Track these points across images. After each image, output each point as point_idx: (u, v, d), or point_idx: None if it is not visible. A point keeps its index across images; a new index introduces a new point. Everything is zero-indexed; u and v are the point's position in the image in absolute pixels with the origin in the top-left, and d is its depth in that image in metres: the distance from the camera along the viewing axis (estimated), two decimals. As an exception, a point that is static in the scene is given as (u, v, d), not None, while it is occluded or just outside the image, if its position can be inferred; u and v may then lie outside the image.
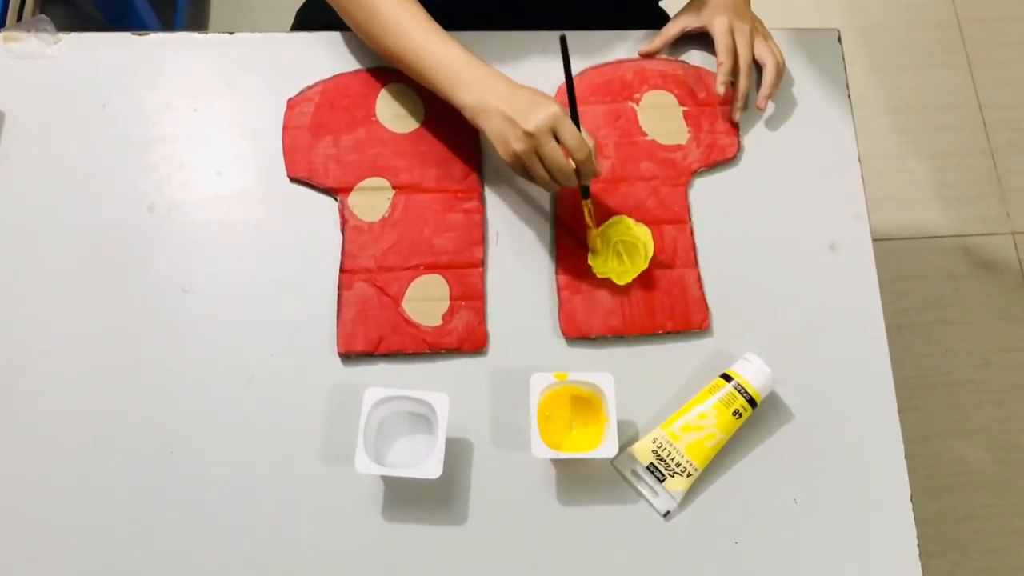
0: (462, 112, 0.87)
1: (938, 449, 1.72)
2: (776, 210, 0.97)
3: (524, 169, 0.86)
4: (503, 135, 0.84)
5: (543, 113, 0.82)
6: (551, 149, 0.83)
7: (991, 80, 2.05)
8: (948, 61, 2.07)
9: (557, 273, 0.92)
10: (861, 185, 0.98)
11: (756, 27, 1.01)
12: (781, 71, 0.99)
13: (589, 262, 0.92)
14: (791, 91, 1.02)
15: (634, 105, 0.99)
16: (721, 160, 0.98)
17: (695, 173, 0.97)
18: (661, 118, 0.99)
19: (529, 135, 0.82)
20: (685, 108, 1.00)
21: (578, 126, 0.84)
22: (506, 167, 0.87)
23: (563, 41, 0.82)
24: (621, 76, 1.01)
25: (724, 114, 0.99)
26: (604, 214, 0.94)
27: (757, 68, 1.00)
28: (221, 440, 0.85)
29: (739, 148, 0.98)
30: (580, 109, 0.96)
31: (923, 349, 1.80)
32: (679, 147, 0.98)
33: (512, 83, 0.86)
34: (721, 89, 0.97)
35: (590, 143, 0.84)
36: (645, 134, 0.98)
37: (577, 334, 0.90)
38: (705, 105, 1.00)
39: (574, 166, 0.84)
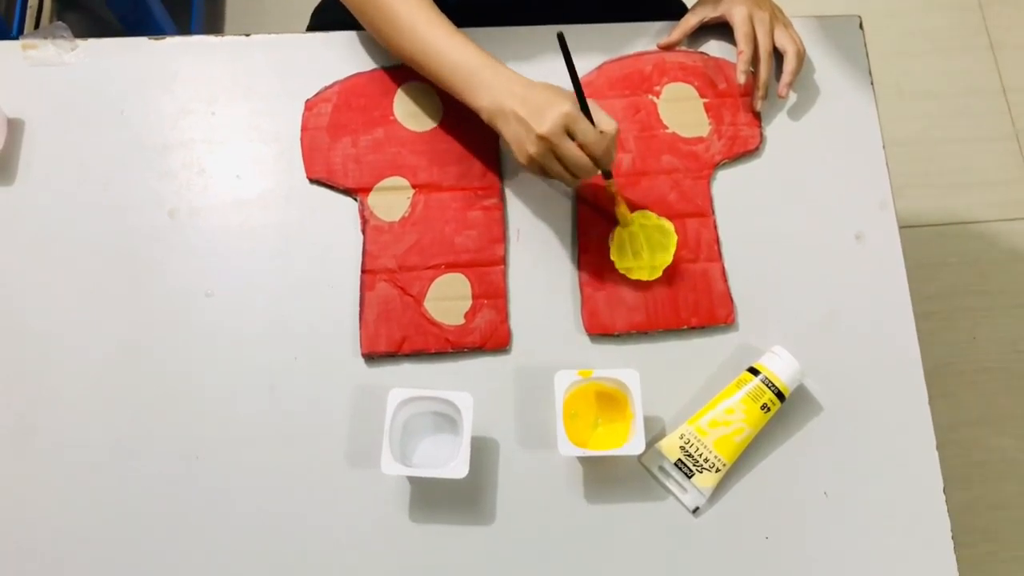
0: (479, 115, 0.86)
1: (968, 438, 1.70)
2: (800, 201, 0.95)
3: (542, 170, 0.85)
4: (519, 138, 0.83)
5: (554, 114, 0.81)
6: (566, 148, 0.82)
7: (1015, 62, 2.02)
8: (970, 44, 2.04)
9: (579, 269, 0.91)
10: (886, 173, 0.97)
11: (776, 14, 1.00)
12: (802, 59, 0.98)
13: (612, 257, 0.91)
14: (813, 79, 1.01)
15: (654, 98, 0.98)
16: (743, 152, 0.96)
17: (717, 165, 0.96)
18: (682, 110, 0.98)
19: (543, 138, 0.81)
20: (706, 100, 0.99)
21: (589, 118, 0.83)
22: (524, 169, 0.87)
23: (561, 38, 0.81)
24: (640, 69, 1.00)
25: (746, 105, 0.98)
26: (626, 208, 0.93)
27: (778, 56, 0.99)
28: (246, 444, 0.85)
29: (761, 139, 0.97)
30: (600, 103, 0.95)
31: (950, 337, 1.78)
32: (700, 139, 0.97)
33: (527, 83, 0.84)
34: (742, 78, 0.96)
35: (611, 127, 0.83)
36: (666, 127, 0.97)
37: (600, 330, 0.89)
38: (726, 96, 0.99)
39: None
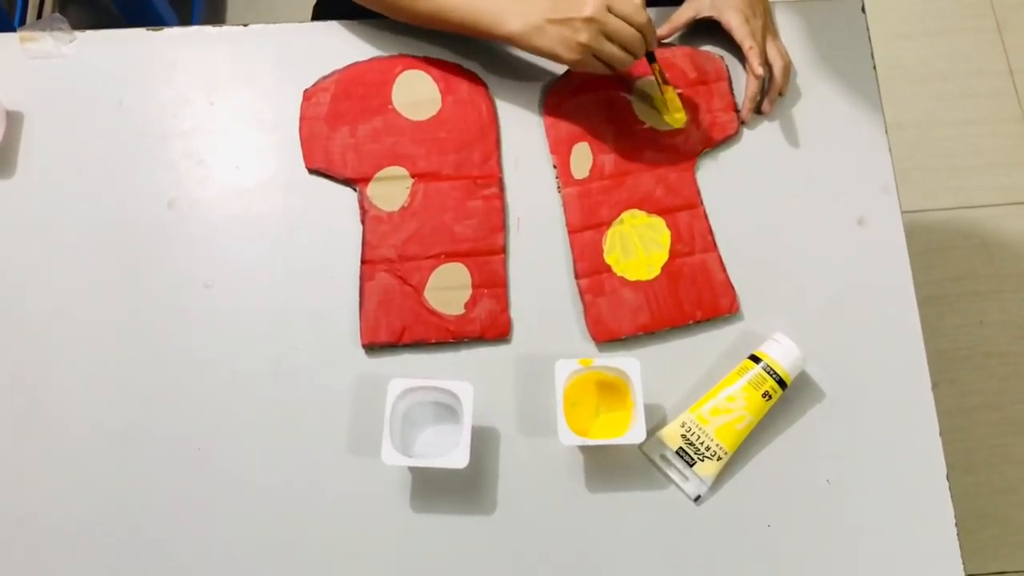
0: (513, 44, 0.91)
1: (974, 422, 1.69)
2: (802, 186, 0.95)
3: (594, 59, 0.88)
4: (563, 38, 0.87)
5: None
6: (617, 24, 0.85)
7: (1023, 44, 2.00)
8: (976, 25, 2.02)
9: (577, 277, 0.90)
10: (889, 157, 0.96)
11: (767, 25, 0.99)
12: (788, 74, 0.98)
13: (607, 261, 0.90)
14: (815, 63, 1.00)
15: (627, 95, 0.97)
16: (723, 138, 0.96)
17: (699, 155, 0.95)
18: (656, 104, 0.97)
19: (590, 20, 0.85)
20: (679, 91, 0.97)
21: None
22: (575, 67, 0.90)
23: None
24: None
25: (719, 91, 0.97)
26: (613, 211, 0.92)
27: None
28: (247, 435, 0.85)
29: (740, 123, 0.97)
30: (573, 107, 0.96)
31: (956, 321, 1.77)
32: (679, 131, 0.96)
33: None
34: (760, 70, 0.94)
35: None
36: (643, 123, 0.96)
37: (607, 337, 0.88)
38: (698, 84, 0.98)
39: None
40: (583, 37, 0.85)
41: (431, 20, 0.94)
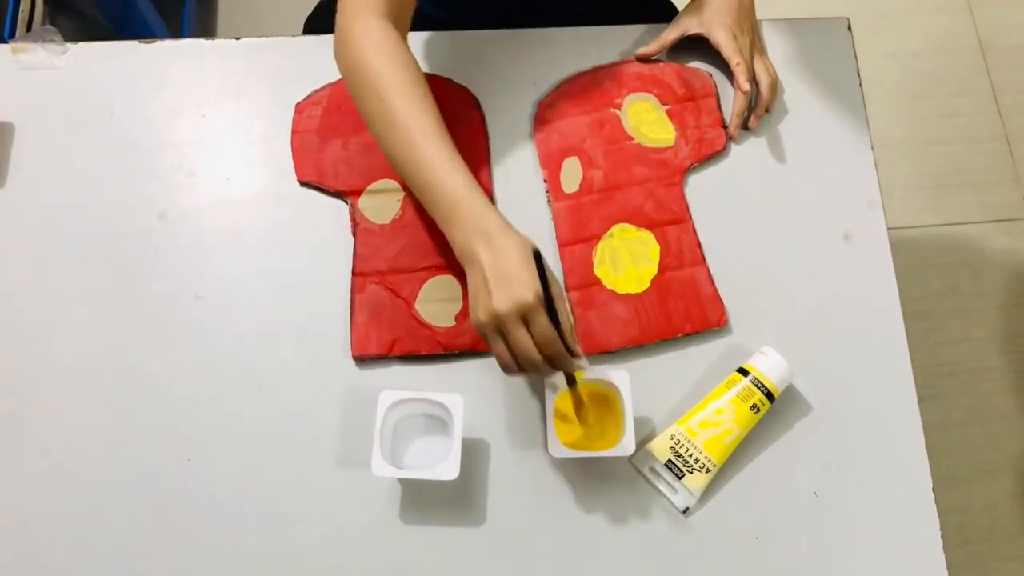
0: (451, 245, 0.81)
1: (959, 437, 1.70)
2: (789, 202, 0.96)
3: (485, 339, 0.78)
4: (475, 297, 0.76)
5: (515, 296, 0.73)
6: (518, 337, 0.74)
7: (1005, 64, 2.03)
8: (960, 45, 2.05)
9: (567, 290, 0.90)
10: (875, 174, 0.97)
11: (755, 42, 1.00)
12: (775, 90, 0.99)
13: (597, 274, 0.91)
14: (802, 82, 1.01)
15: (616, 111, 0.98)
16: (711, 153, 0.97)
17: (688, 170, 0.96)
18: (645, 120, 0.98)
19: (496, 315, 0.74)
20: (668, 107, 0.98)
21: (555, 320, 0.74)
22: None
23: (536, 254, 0.76)
24: (599, 84, 0.99)
25: (707, 107, 0.99)
26: (604, 223, 0.93)
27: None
28: (236, 446, 0.85)
29: (728, 138, 0.98)
30: (563, 123, 0.96)
31: (941, 337, 1.79)
32: (668, 146, 0.97)
33: (505, 231, 0.77)
34: (747, 86, 0.95)
35: (568, 323, 0.77)
36: (632, 138, 0.97)
37: (597, 350, 0.88)
38: (687, 100, 0.99)
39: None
40: (482, 317, 0.75)
41: (395, 162, 0.83)
